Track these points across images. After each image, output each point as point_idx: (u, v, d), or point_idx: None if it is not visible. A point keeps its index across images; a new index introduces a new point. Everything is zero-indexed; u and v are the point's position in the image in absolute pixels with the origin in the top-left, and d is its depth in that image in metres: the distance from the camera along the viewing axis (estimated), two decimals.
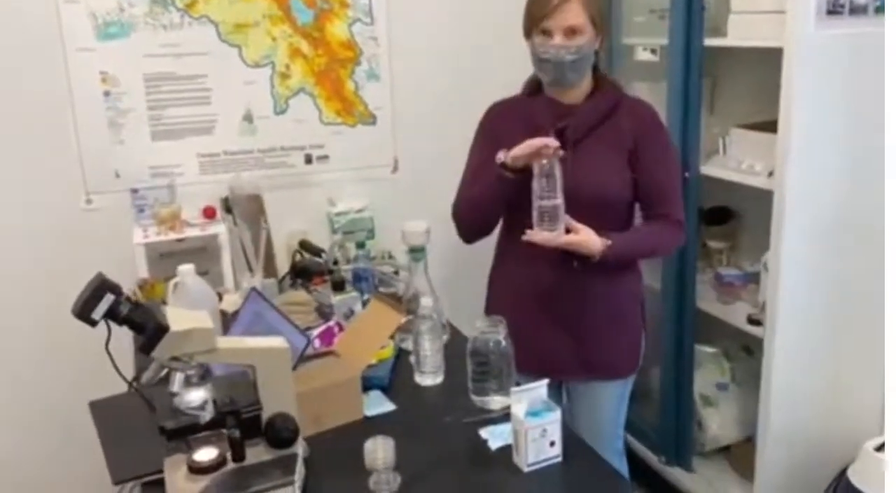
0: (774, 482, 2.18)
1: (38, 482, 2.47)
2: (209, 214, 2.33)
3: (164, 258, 2.27)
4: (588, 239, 1.68)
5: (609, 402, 1.95)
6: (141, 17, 2.27)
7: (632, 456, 2.66)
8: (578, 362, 1.87)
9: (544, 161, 1.63)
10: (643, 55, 2.42)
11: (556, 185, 1.64)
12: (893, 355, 1.54)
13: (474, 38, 2.60)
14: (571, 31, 1.69)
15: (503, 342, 1.60)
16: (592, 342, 1.86)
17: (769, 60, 1.95)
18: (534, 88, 1.85)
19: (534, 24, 1.72)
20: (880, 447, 1.91)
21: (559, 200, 1.65)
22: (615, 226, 1.78)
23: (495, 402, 1.61)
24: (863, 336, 2.16)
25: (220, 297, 2.09)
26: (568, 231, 1.68)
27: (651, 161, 1.77)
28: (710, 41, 2.16)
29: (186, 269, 1.95)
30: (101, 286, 1.21)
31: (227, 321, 1.95)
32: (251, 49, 2.40)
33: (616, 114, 1.78)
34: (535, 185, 1.65)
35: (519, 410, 1.40)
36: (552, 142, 1.64)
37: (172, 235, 2.21)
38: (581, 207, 1.73)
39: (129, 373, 1.61)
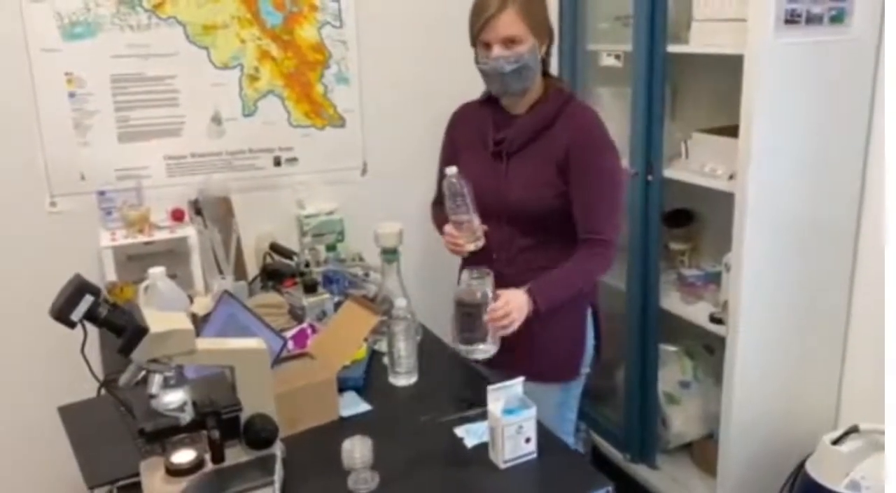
0: (736, 476, 2.24)
1: (11, 490, 2.42)
2: (177, 216, 2.31)
3: (132, 261, 2.25)
4: (515, 307, 1.63)
5: (544, 406, 1.72)
6: (108, 18, 2.24)
7: (597, 454, 2.72)
8: (511, 359, 1.76)
9: (454, 181, 1.70)
10: (607, 61, 2.47)
11: (465, 202, 1.71)
12: (893, 354, 1.59)
13: (443, 41, 2.60)
14: (510, 41, 1.68)
15: (490, 293, 1.61)
16: (525, 343, 1.79)
17: (727, 67, 2.01)
18: (489, 94, 1.86)
19: (474, 36, 1.73)
20: (837, 441, 1.98)
21: (470, 217, 1.72)
22: (558, 237, 1.78)
23: (480, 351, 1.62)
24: (821, 334, 2.24)
25: (191, 300, 2.08)
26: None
27: (578, 178, 1.73)
28: (672, 48, 2.22)
29: (157, 272, 1.95)
30: (80, 288, 1.20)
31: (198, 324, 1.94)
32: (220, 51, 2.39)
33: (554, 125, 1.75)
34: (448, 202, 1.73)
35: (496, 407, 1.42)
36: (451, 169, 1.70)
37: (141, 238, 2.19)
38: (514, 218, 1.78)
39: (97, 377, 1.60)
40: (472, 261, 1.81)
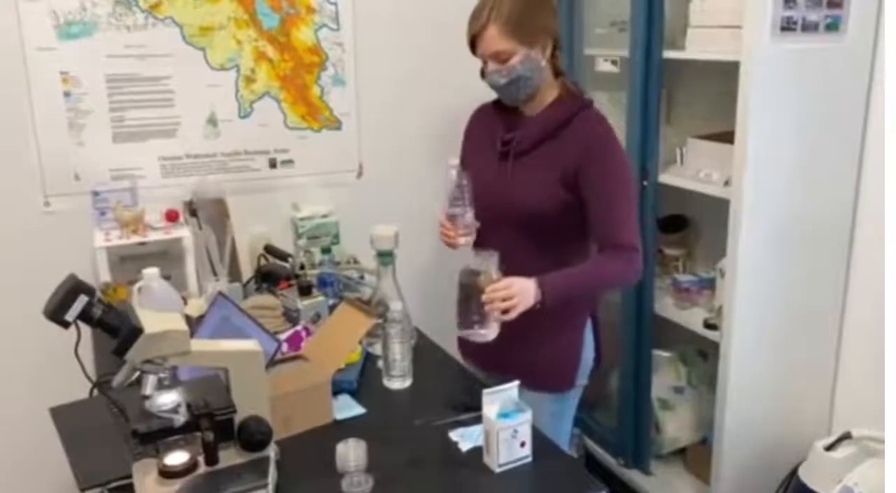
0: (729, 481, 2.24)
1: (3, 491, 2.40)
2: (172, 217, 2.30)
3: (126, 262, 2.24)
4: (518, 291, 1.57)
5: (538, 416, 1.68)
6: (104, 18, 2.23)
7: (591, 459, 2.72)
8: (513, 365, 1.77)
9: (453, 173, 1.70)
10: (604, 66, 2.48)
11: (462, 196, 1.70)
12: (893, 355, 1.59)
13: (440, 44, 2.61)
14: (499, 56, 1.69)
15: (494, 275, 1.59)
16: (523, 350, 1.81)
17: (723, 73, 2.02)
18: None
19: (473, 51, 1.75)
20: (830, 447, 1.99)
21: (464, 211, 1.71)
22: (560, 244, 1.76)
23: (477, 335, 1.62)
24: (814, 340, 2.25)
25: (185, 301, 2.07)
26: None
27: (592, 187, 1.70)
28: (668, 54, 2.23)
29: (151, 272, 1.94)
30: (74, 288, 1.19)
31: (192, 326, 1.93)
32: (216, 52, 2.39)
33: (564, 130, 1.73)
34: (449, 191, 1.72)
35: (491, 411, 1.42)
36: (453, 161, 1.71)
37: (136, 239, 2.17)
38: (511, 220, 1.76)
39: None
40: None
